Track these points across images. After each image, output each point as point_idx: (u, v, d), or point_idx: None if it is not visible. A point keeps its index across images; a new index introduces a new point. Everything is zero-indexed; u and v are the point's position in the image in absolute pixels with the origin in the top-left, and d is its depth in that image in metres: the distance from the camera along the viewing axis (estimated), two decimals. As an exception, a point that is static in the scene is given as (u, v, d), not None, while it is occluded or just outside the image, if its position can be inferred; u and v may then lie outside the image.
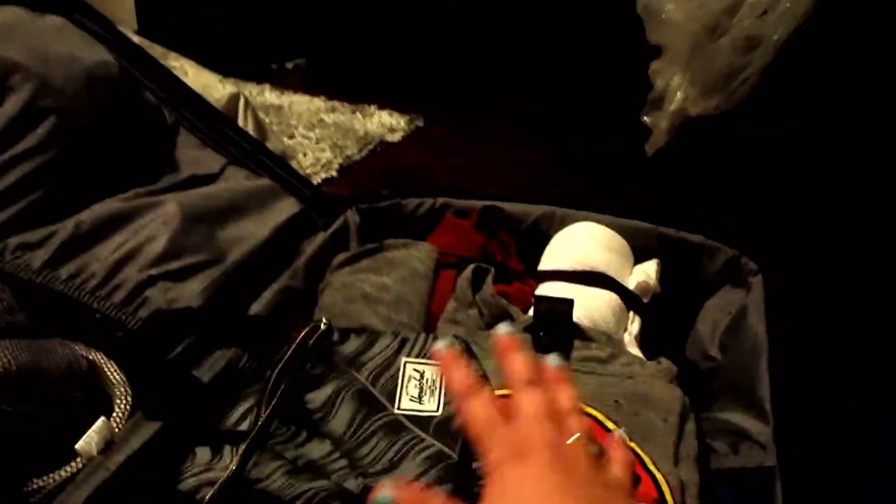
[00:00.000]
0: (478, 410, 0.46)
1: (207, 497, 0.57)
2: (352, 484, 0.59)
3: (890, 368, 1.06)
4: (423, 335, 0.70)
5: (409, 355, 0.68)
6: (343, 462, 0.62)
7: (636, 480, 0.67)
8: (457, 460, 0.58)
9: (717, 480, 0.74)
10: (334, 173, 1.75)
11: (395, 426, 0.62)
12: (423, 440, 0.60)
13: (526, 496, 0.41)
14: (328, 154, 1.81)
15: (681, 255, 0.94)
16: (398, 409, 0.63)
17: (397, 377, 0.65)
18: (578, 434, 0.46)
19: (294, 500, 0.57)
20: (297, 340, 0.68)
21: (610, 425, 0.71)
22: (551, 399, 0.47)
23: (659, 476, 0.67)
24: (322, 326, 0.70)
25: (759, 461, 0.71)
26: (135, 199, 0.83)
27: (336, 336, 0.71)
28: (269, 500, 0.58)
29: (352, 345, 0.70)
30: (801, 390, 0.87)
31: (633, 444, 0.69)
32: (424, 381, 0.65)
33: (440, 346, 0.50)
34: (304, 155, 1.79)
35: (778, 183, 1.30)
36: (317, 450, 0.63)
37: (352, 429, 0.63)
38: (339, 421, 0.64)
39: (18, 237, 0.75)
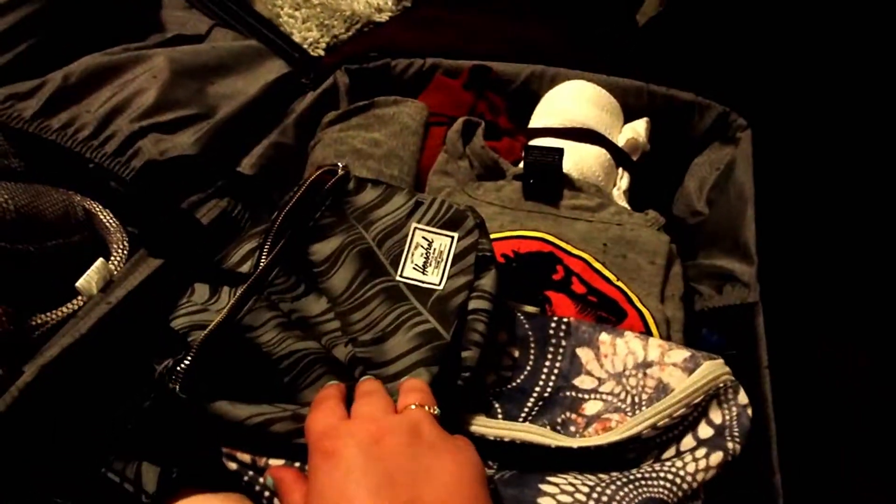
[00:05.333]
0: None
1: (199, 340, 0.54)
2: (340, 352, 0.57)
3: (870, 213, 1.06)
4: (437, 200, 0.65)
5: (420, 221, 0.63)
6: (336, 324, 0.59)
7: (623, 315, 0.70)
8: (448, 342, 0.55)
9: (701, 321, 0.76)
10: (321, 52, 1.71)
11: (395, 293, 0.59)
12: (419, 314, 0.57)
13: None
14: (315, 33, 1.76)
15: (671, 113, 0.93)
16: (400, 276, 0.60)
17: (404, 243, 0.62)
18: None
19: (281, 359, 0.56)
20: (309, 182, 0.65)
21: (598, 265, 0.72)
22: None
23: (645, 311, 0.69)
24: (339, 172, 0.66)
25: (742, 298, 0.73)
26: (123, 53, 0.82)
27: (352, 185, 0.67)
28: (257, 354, 0.56)
29: (367, 196, 0.66)
30: (788, 237, 0.89)
31: (620, 284, 0.71)
32: (431, 250, 0.61)
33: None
34: (291, 35, 1.75)
35: (768, 45, 1.28)
36: (313, 306, 0.61)
37: (351, 289, 0.60)
38: (340, 279, 0.61)
39: (7, 88, 0.75)
